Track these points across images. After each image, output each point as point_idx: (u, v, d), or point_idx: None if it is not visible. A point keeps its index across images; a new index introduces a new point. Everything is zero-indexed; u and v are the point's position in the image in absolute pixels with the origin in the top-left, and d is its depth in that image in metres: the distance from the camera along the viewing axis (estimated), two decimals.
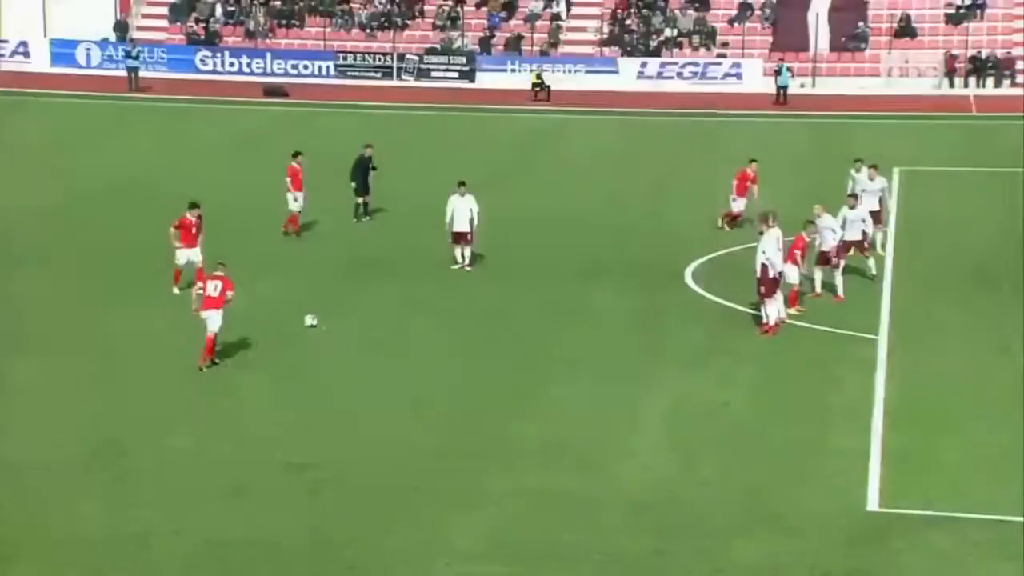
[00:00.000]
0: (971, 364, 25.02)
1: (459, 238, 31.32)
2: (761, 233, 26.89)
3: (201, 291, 24.78)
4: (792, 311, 27.51)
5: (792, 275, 27.50)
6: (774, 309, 26.60)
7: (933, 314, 28.21)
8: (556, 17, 68.03)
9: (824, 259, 29.03)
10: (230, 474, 19.91)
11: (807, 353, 25.81)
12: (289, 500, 19.07)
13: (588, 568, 17.19)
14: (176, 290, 28.84)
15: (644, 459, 20.66)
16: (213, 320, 24.52)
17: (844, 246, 29.26)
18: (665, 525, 18.32)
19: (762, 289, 26.60)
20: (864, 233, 29.99)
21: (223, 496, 19.13)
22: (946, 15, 65.61)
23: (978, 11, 65.26)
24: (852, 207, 30.08)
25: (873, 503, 18.99)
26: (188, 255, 28.94)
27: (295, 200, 34.52)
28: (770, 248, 26.49)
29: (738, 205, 34.97)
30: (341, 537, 17.91)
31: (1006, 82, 62.48)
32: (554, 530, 18.17)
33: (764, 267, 26.46)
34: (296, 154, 35.09)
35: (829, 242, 28.86)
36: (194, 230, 29.06)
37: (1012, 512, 18.54)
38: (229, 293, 24.57)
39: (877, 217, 32.15)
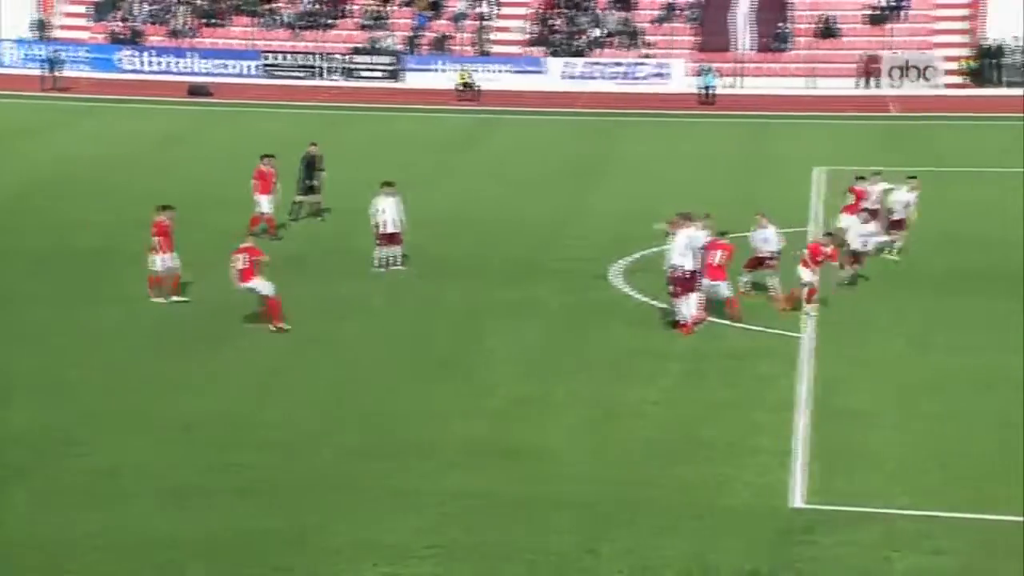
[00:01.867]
0: (895, 360, 25.25)
1: (388, 239, 31.11)
2: (672, 234, 26.87)
3: (241, 266, 26.18)
4: (808, 308, 27.63)
5: (806, 276, 27.68)
6: (687, 308, 26.57)
7: (857, 311, 28.43)
8: (483, 17, 67.99)
9: (755, 263, 29.09)
10: (157, 473, 19.66)
11: (732, 351, 25.90)
12: (218, 500, 18.85)
13: (518, 567, 17.12)
14: (158, 299, 27.89)
15: (571, 457, 20.62)
16: (262, 286, 26.17)
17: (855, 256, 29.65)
18: (594, 524, 18.29)
19: (674, 289, 26.59)
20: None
21: (151, 495, 18.88)
22: (867, 16, 66.31)
23: (898, 12, 66.00)
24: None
25: (799, 499, 19.07)
26: (167, 261, 28.00)
27: (262, 203, 33.95)
28: (678, 249, 26.45)
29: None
30: (269, 538, 17.72)
31: (925, 82, 63.26)
32: (483, 529, 18.09)
33: (673, 268, 26.44)
34: (264, 156, 34.66)
35: (765, 248, 28.94)
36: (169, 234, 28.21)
37: (937, 507, 18.69)
38: (262, 257, 26.41)
39: (899, 224, 32.72)
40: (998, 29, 63.45)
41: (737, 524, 18.24)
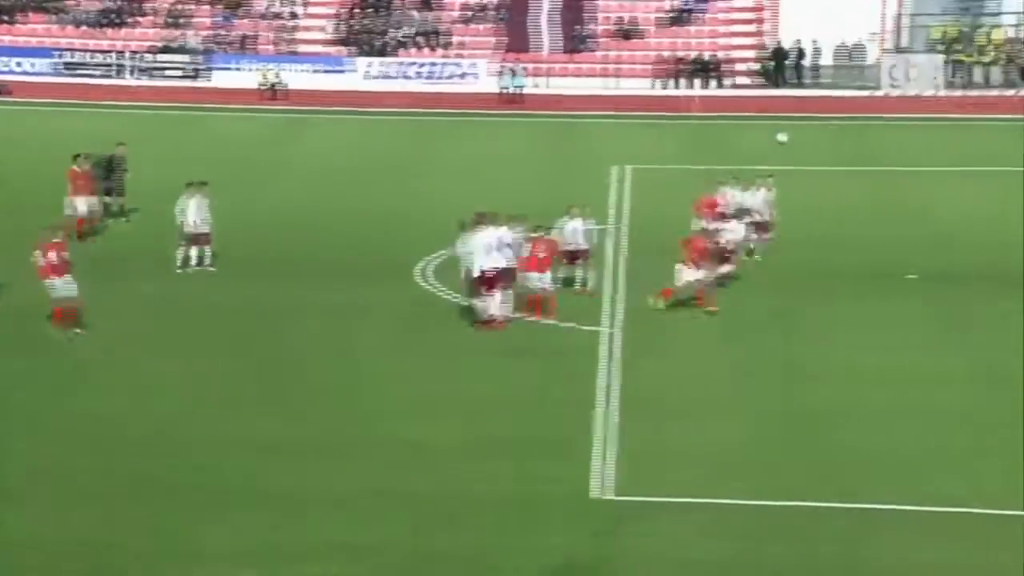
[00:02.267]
0: (698, 355, 25.81)
1: (196, 239, 30.77)
2: (471, 232, 27.07)
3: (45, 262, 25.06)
4: (709, 309, 27.86)
5: (687, 274, 27.94)
6: (496, 305, 26.78)
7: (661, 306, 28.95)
8: (289, 16, 67.46)
9: (572, 256, 29.39)
10: None
11: (544, 347, 26.19)
12: (52, 506, 18.49)
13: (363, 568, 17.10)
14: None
15: (389, 455, 20.68)
16: (63, 287, 25.31)
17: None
18: (421, 519, 18.36)
19: (479, 288, 26.80)
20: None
21: None
22: (667, 18, 67.60)
23: (696, 14, 67.47)
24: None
25: (607, 492, 19.38)
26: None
27: (76, 206, 33.03)
28: (473, 248, 26.65)
29: None
30: (98, 542, 17.45)
31: (726, 82, 64.74)
32: (289, 527, 18.04)
33: (481, 268, 26.64)
34: (76, 157, 33.79)
35: (574, 242, 29.24)
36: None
37: (738, 496, 19.21)
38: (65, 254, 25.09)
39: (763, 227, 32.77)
40: (790, 32, 65.40)
41: (548, 517, 18.48)
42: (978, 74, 63.77)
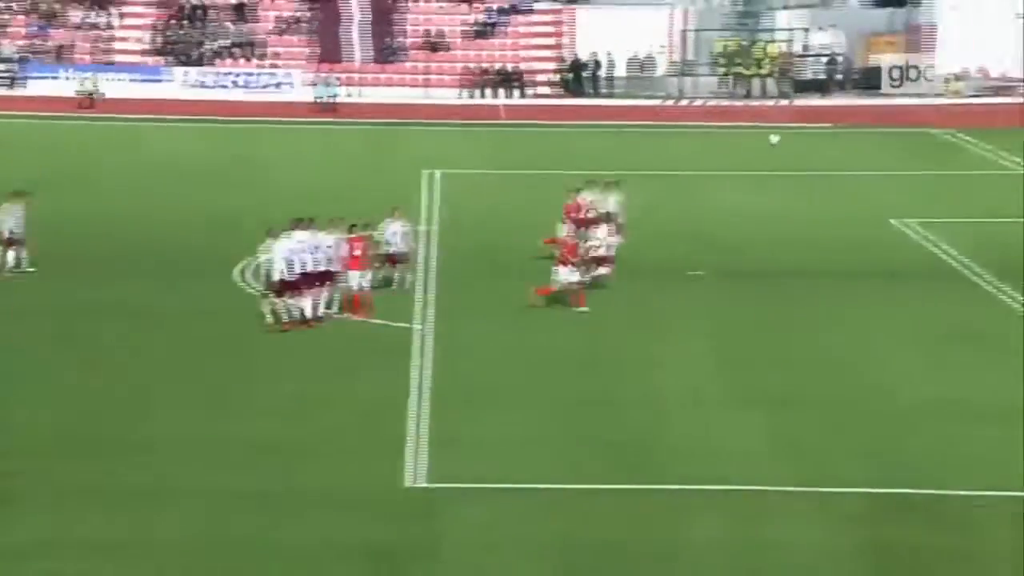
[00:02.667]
0: (504, 349, 25.92)
1: (11, 243, 30.21)
2: (276, 238, 26.80)
3: None
4: (580, 309, 27.74)
5: (563, 274, 27.88)
6: (307, 308, 26.52)
7: (471, 304, 29.05)
8: (105, 26, 65.85)
9: (390, 258, 29.26)
10: None
11: (353, 345, 26.05)
12: None
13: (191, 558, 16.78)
14: None
15: (213, 451, 20.34)
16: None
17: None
18: (219, 515, 18.08)
19: (284, 291, 26.49)
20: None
21: None
22: (473, 31, 68.00)
23: (501, 28, 68.02)
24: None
25: (416, 481, 19.36)
26: None
27: None
28: (275, 253, 26.33)
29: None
30: None
31: (528, 91, 65.46)
32: (96, 522, 17.64)
33: (290, 270, 26.35)
34: None
35: (394, 244, 29.12)
36: None
37: (545, 481, 19.35)
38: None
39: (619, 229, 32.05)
40: (587, 46, 66.40)
41: (358, 506, 18.39)
42: (756, 86, 65.71)
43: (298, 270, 26.41)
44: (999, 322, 27.59)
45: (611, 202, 32.84)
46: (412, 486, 19.15)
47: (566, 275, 28.10)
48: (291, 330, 26.33)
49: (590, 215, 31.38)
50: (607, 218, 31.29)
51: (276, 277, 26.28)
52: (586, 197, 32.46)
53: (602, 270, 29.51)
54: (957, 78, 64.74)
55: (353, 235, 27.80)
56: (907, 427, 21.53)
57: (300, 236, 26.68)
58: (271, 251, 26.60)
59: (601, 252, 29.64)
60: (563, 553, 17.01)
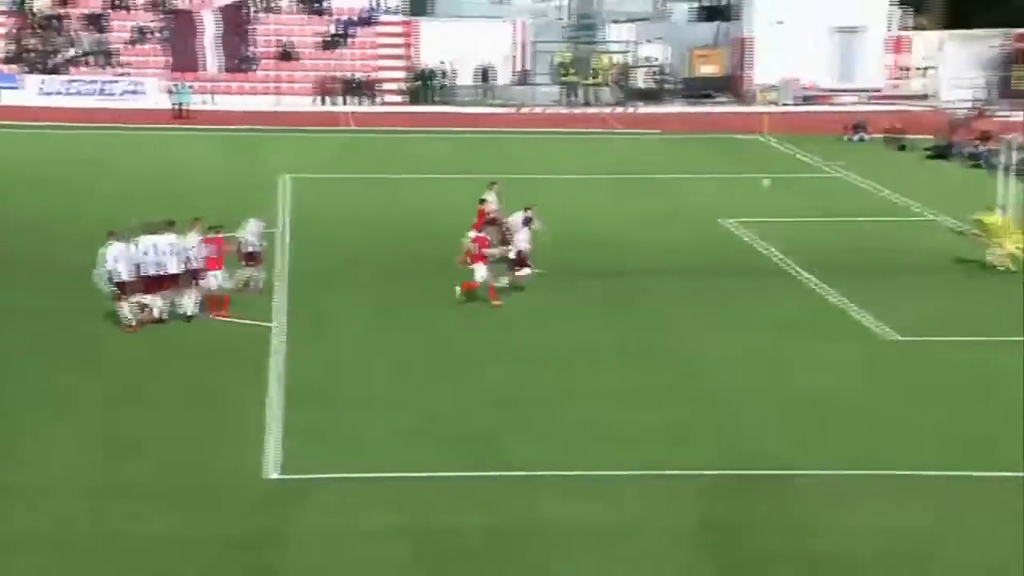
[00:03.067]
0: (357, 345, 25.73)
1: None
2: (120, 240, 26.24)
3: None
4: (495, 304, 27.84)
5: (481, 272, 27.91)
6: (154, 308, 26.15)
7: (324, 302, 28.81)
8: None
9: (250, 258, 28.86)
10: None
11: (214, 342, 25.63)
12: None
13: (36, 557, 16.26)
14: None
15: (64, 448, 19.79)
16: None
17: None
18: (85, 503, 17.63)
19: (123, 294, 25.99)
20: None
21: None
22: (323, 41, 67.57)
23: (347, 39, 67.76)
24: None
25: (275, 472, 19.14)
26: None
27: None
28: (112, 256, 25.79)
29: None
30: None
31: (377, 100, 65.33)
32: None
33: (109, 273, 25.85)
34: None
35: (252, 244, 28.75)
36: None
37: (396, 470, 19.25)
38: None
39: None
40: (434, 55, 66.40)
41: (219, 498, 18.14)
42: (593, 94, 66.39)
43: (152, 271, 25.97)
44: (818, 313, 28.25)
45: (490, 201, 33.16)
46: (271, 477, 18.92)
47: (482, 273, 28.20)
48: (139, 330, 25.74)
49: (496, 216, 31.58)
50: (528, 221, 30.64)
51: (116, 280, 25.78)
52: (491, 199, 32.84)
53: (524, 271, 29.47)
54: (773, 88, 66.35)
55: (212, 236, 27.38)
56: (735, 411, 21.91)
57: (152, 240, 26.17)
58: (112, 253, 26.01)
59: (524, 253, 29.46)
60: (414, 538, 16.95)
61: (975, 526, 17.38)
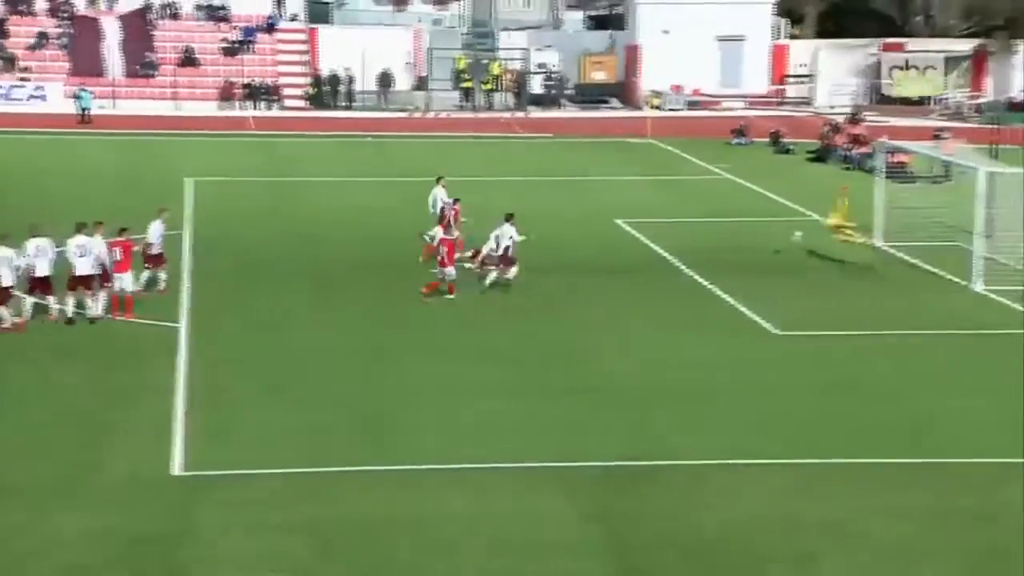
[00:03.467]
0: (259, 343, 25.49)
1: None
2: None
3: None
4: (449, 297, 27.85)
5: (451, 271, 27.86)
6: (96, 306, 25.83)
7: (226, 302, 28.51)
8: None
9: (154, 259, 28.48)
10: None
11: (122, 343, 25.26)
12: None
13: None
14: None
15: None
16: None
17: None
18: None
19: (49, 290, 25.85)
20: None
21: None
22: (224, 48, 66.90)
23: (249, 45, 67.18)
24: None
25: (178, 469, 18.93)
26: None
27: None
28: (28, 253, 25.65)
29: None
30: None
31: (276, 105, 64.87)
32: None
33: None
34: None
35: (157, 245, 28.51)
36: None
37: (300, 465, 19.11)
38: None
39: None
40: (338, 61, 66.10)
41: (124, 496, 17.89)
42: (491, 99, 66.52)
43: (43, 272, 25.65)
44: (705, 309, 28.62)
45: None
46: (176, 474, 18.70)
47: (452, 272, 28.21)
48: (24, 331, 25.28)
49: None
50: (509, 217, 30.12)
51: (4, 283, 25.36)
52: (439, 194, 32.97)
53: (514, 269, 29.36)
54: (660, 94, 67.11)
55: (118, 239, 26.97)
56: (626, 404, 22.11)
57: (36, 243, 25.82)
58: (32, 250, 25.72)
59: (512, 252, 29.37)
60: (317, 532, 16.85)
61: (852, 509, 17.73)
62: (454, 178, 45.78)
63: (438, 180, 34.59)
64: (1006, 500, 17.96)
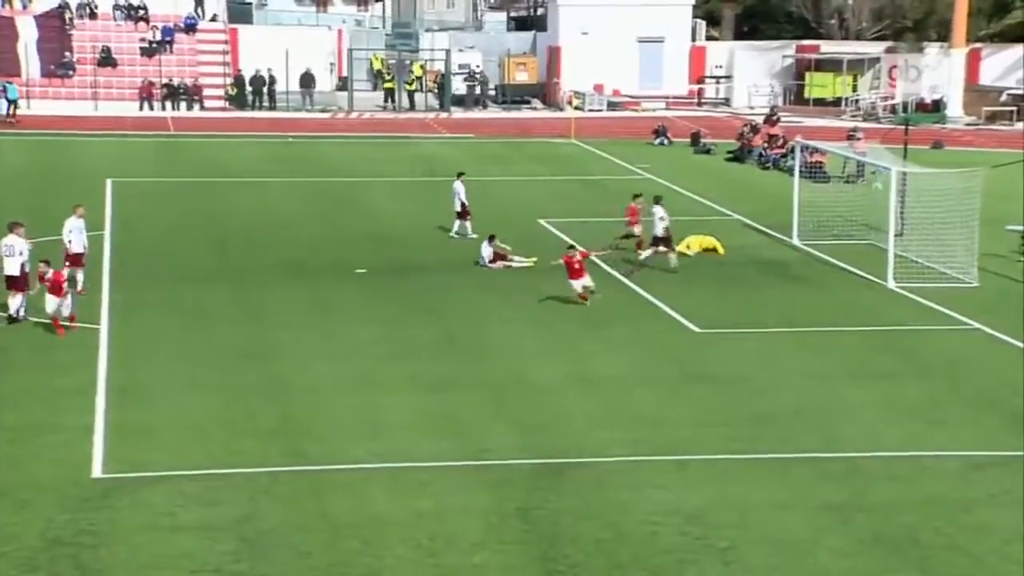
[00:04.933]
0: (180, 343, 25.27)
1: None
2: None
3: None
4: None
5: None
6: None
7: (147, 302, 28.23)
8: None
9: (71, 259, 28.11)
10: None
11: (41, 343, 24.93)
12: None
13: None
14: None
15: None
16: None
17: None
18: None
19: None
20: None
21: None
22: (141, 48, 66.30)
23: (168, 46, 66.54)
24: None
25: (98, 471, 18.74)
26: None
27: None
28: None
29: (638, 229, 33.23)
30: None
31: (196, 105, 64.31)
32: None
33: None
34: None
35: (72, 244, 28.12)
36: None
37: (221, 466, 19.03)
38: None
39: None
40: (259, 62, 65.65)
41: (42, 497, 17.67)
42: (412, 99, 66.55)
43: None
44: (627, 308, 28.84)
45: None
46: (95, 476, 18.50)
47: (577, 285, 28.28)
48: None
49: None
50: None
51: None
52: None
53: (661, 248, 31.22)
54: (581, 94, 67.48)
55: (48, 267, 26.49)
56: (545, 401, 22.23)
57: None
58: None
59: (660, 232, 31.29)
60: (237, 532, 16.76)
61: (763, 503, 17.98)
62: (374, 178, 45.96)
63: (459, 176, 35.85)
64: (901, 492, 18.32)
